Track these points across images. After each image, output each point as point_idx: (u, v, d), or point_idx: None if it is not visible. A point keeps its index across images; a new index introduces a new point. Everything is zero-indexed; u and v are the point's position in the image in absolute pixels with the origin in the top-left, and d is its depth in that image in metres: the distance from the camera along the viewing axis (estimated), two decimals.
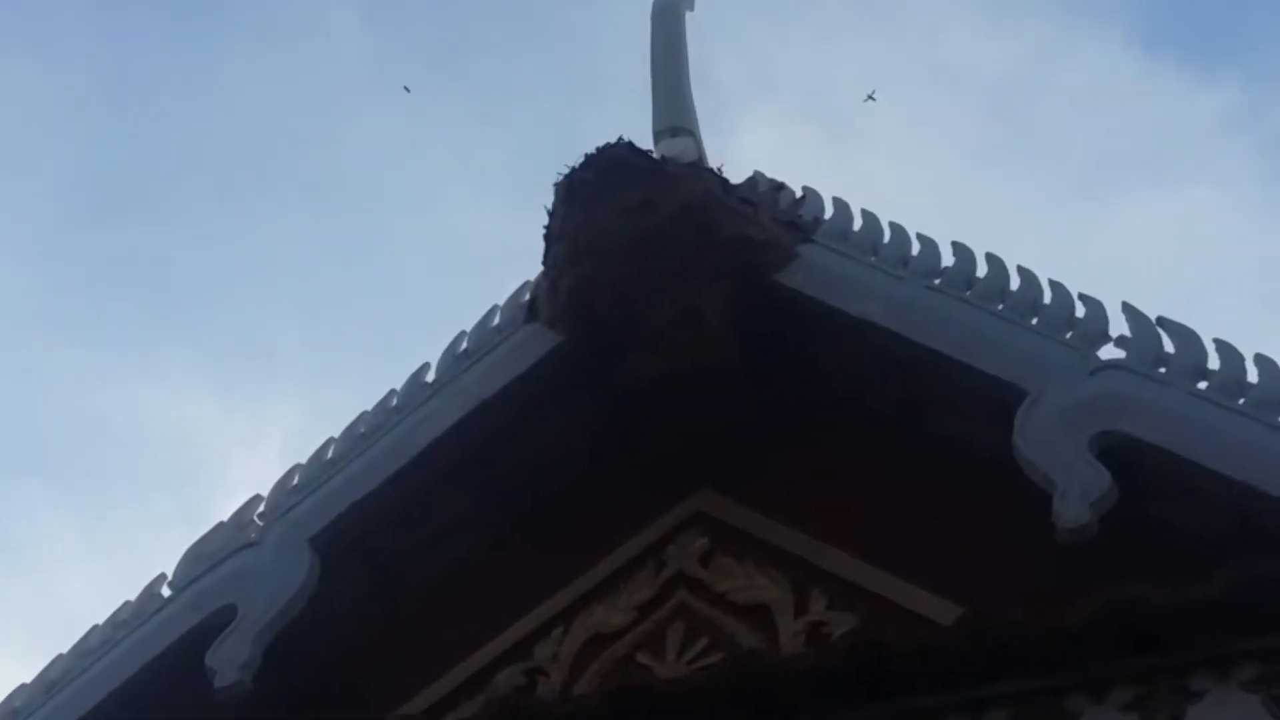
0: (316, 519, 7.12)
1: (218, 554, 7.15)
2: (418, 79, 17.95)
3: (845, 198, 7.55)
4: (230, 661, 6.72)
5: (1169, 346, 6.53)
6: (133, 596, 7.22)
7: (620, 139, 7.37)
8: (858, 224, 7.40)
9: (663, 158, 7.55)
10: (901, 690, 4.41)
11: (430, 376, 7.50)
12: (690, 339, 7.11)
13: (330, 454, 7.40)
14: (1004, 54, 17.93)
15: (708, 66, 8.61)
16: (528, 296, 7.51)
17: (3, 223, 17.37)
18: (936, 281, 7.05)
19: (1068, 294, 6.83)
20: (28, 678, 7.15)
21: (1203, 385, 6.37)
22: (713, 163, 7.71)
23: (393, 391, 7.52)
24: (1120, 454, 6.25)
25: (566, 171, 7.33)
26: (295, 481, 7.35)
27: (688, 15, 8.67)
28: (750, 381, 7.17)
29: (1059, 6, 18.34)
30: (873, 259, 7.21)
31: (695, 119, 8.12)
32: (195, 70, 17.55)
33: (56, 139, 17.27)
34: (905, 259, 7.18)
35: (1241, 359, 6.41)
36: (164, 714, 6.86)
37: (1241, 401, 6.27)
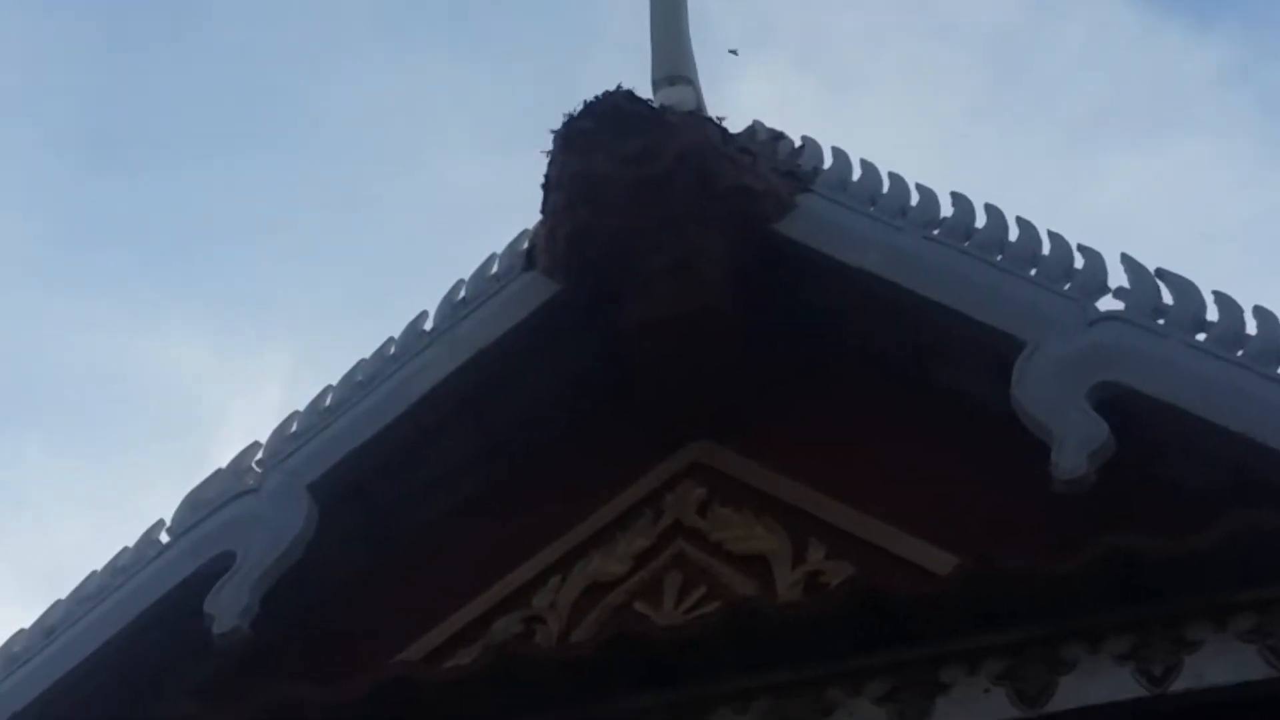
0: (315, 466, 7.11)
1: (216, 501, 7.16)
2: (414, 30, 17.84)
3: (844, 148, 7.55)
4: (229, 608, 6.72)
5: (1168, 298, 6.52)
6: (131, 543, 7.23)
7: (619, 87, 7.32)
8: (856, 174, 7.40)
9: (661, 106, 7.52)
10: (898, 640, 4.42)
11: (428, 325, 7.50)
12: (688, 287, 7.10)
13: (328, 401, 7.39)
14: (1002, 6, 17.88)
15: (707, 15, 8.57)
16: (526, 245, 7.49)
17: (16, 169, 17.33)
18: (935, 232, 7.04)
19: (1066, 245, 6.83)
20: (26, 623, 7.18)
21: (1201, 337, 6.37)
22: (712, 112, 7.69)
23: (391, 339, 7.52)
24: (1118, 405, 6.25)
25: (565, 119, 7.30)
26: (293, 429, 7.35)
27: None
28: (748, 331, 7.17)
29: None
30: (871, 209, 7.20)
31: (694, 68, 8.09)
32: (190, 23, 17.47)
33: (51, 91, 17.21)
34: (904, 209, 7.17)
35: (1240, 310, 6.40)
36: (162, 660, 6.88)
37: (1240, 353, 6.27)
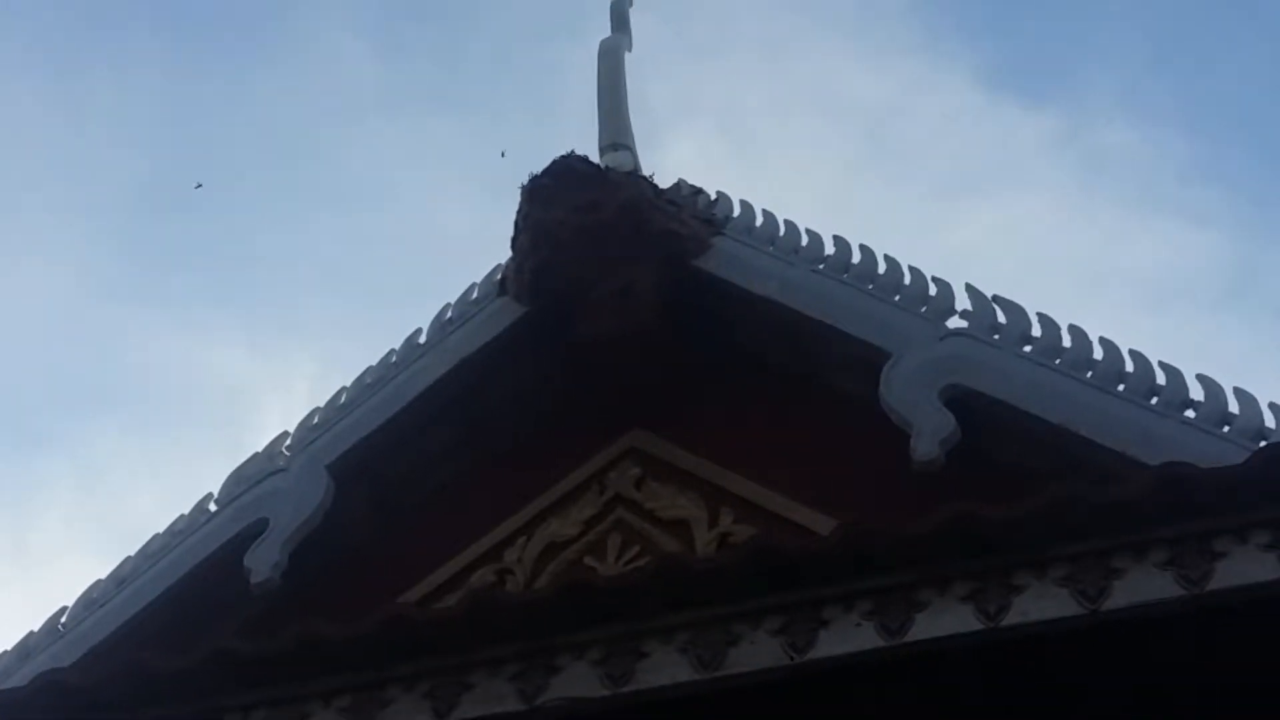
0: (332, 450, 7.10)
1: (253, 477, 7.13)
2: (415, 102, 17.94)
3: (750, 200, 7.57)
4: (263, 563, 6.72)
5: (1002, 318, 6.57)
6: (186, 511, 7.20)
7: (572, 152, 7.37)
8: (760, 220, 7.42)
9: (606, 167, 7.53)
10: (790, 585, 4.41)
11: (422, 339, 7.48)
12: (627, 310, 7.12)
13: (343, 399, 7.37)
14: (875, 86, 17.95)
15: (642, 94, 8.57)
16: (499, 276, 7.48)
17: (86, 209, 17.35)
18: (821, 266, 7.08)
19: (923, 276, 6.87)
20: (103, 574, 7.14)
21: (1028, 349, 6.43)
22: (646, 171, 7.69)
23: (392, 350, 7.50)
24: (963, 403, 6.31)
25: (530, 177, 7.31)
26: (315, 420, 7.33)
27: (626, 54, 8.64)
28: (675, 344, 7.18)
29: (920, 48, 18.34)
30: (771, 249, 7.23)
31: (632, 136, 8.10)
32: (238, 91, 17.53)
33: (130, 143, 17.26)
34: (796, 248, 7.20)
35: (1058, 328, 6.48)
36: (211, 604, 6.85)
37: (1058, 361, 6.35)
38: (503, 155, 7.46)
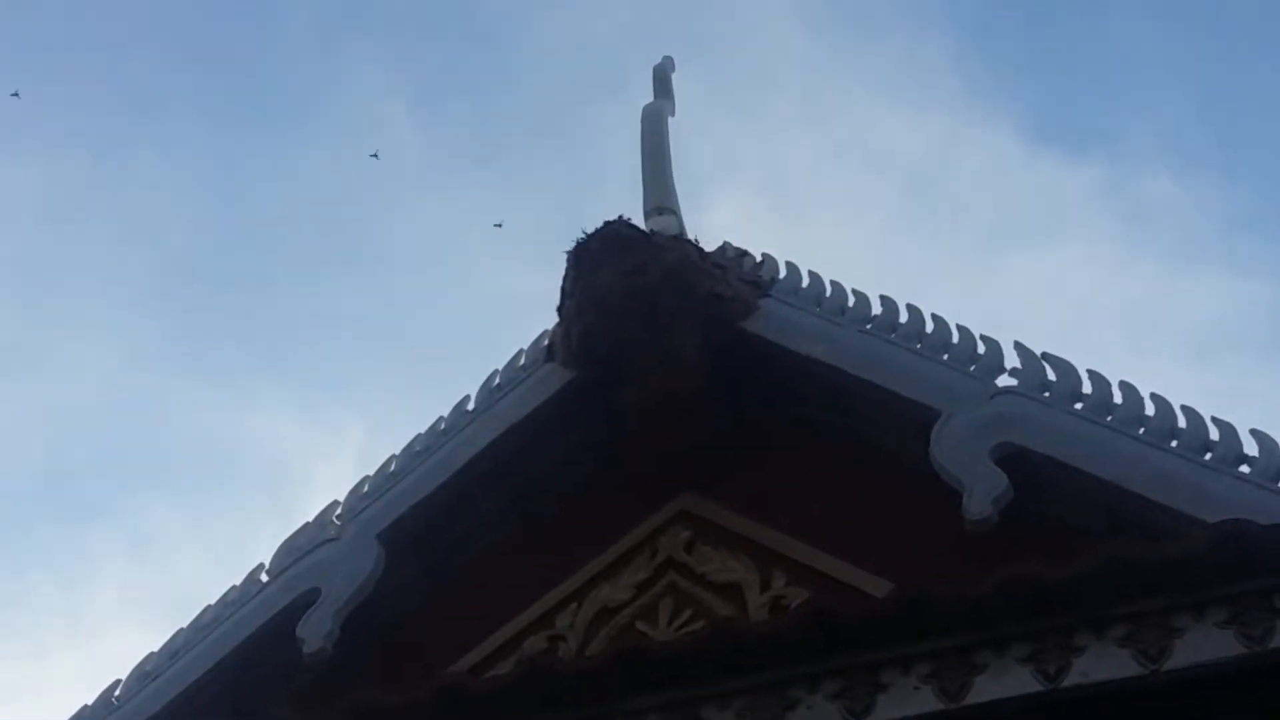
0: (382, 518, 7.09)
1: (304, 547, 7.13)
2: (458, 169, 18.05)
3: (795, 260, 7.57)
4: (315, 632, 6.70)
5: (1052, 375, 6.54)
6: (238, 581, 7.20)
7: (619, 217, 7.38)
8: (805, 281, 7.41)
9: (651, 231, 7.54)
10: (845, 648, 4.40)
11: (470, 405, 7.49)
12: (674, 374, 7.11)
13: (393, 467, 7.37)
14: (918, 142, 18.04)
15: (685, 155, 8.63)
16: (546, 342, 7.49)
17: (135, 283, 17.52)
18: (868, 326, 7.06)
19: (971, 335, 6.85)
20: (155, 646, 7.14)
21: (1079, 406, 6.40)
22: (690, 234, 7.71)
23: (441, 417, 7.50)
24: (1015, 461, 6.26)
25: (576, 242, 7.33)
26: (365, 489, 7.33)
27: (670, 119, 8.68)
28: (722, 407, 7.16)
29: (962, 104, 18.42)
30: (817, 309, 7.22)
31: (676, 199, 8.12)
32: (283, 165, 17.72)
33: (176, 217, 17.46)
34: (843, 309, 7.19)
35: (1109, 384, 6.43)
36: (263, 674, 6.84)
37: (1110, 419, 6.30)
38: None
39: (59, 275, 17.04)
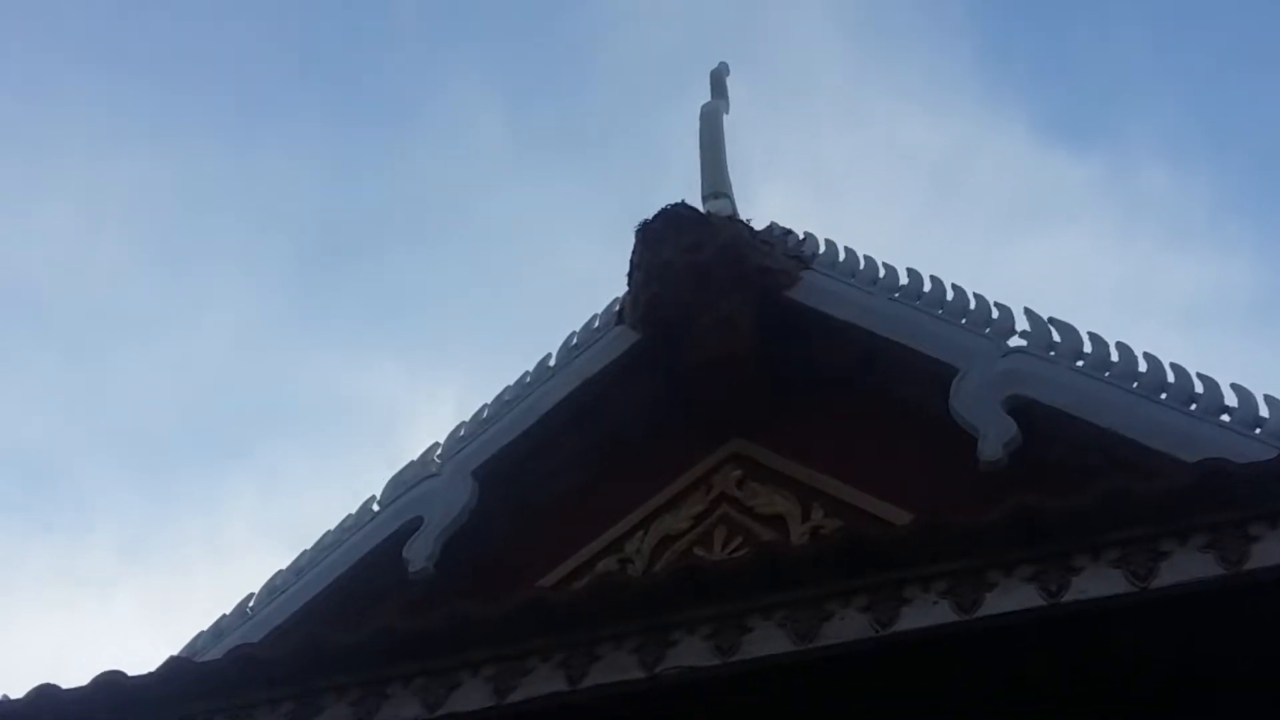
0: (476, 458, 7.12)
1: (409, 482, 7.17)
2: (542, 161, 18.14)
3: (833, 238, 7.53)
4: (419, 554, 6.76)
5: (1057, 337, 6.50)
6: (353, 510, 7.25)
7: (680, 201, 7.38)
8: (842, 256, 7.38)
9: (708, 213, 7.53)
10: (873, 569, 4.37)
11: (552, 362, 7.50)
12: (727, 336, 7.11)
13: (485, 414, 7.40)
14: (942, 137, 17.89)
15: (739, 149, 8.59)
16: (617, 308, 7.49)
17: (264, 260, 17.77)
18: (896, 295, 7.03)
19: (986, 302, 6.81)
20: (283, 565, 7.21)
21: (1080, 363, 6.35)
22: (743, 216, 7.69)
23: (526, 372, 7.51)
24: (1023, 411, 6.25)
25: (642, 222, 7.32)
26: (461, 433, 7.36)
27: (725, 116, 8.65)
28: (769, 364, 7.16)
29: (980, 104, 18.25)
30: (852, 280, 7.19)
31: (730, 185, 8.09)
32: (392, 157, 17.86)
33: (299, 204, 17.64)
34: (875, 280, 7.16)
35: (1107, 345, 6.39)
36: (375, 590, 6.90)
37: (1107, 374, 6.26)
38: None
39: (200, 253, 17.22)
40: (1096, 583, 4.18)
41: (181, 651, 6.74)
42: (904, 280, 7.09)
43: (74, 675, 4.83)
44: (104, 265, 17.02)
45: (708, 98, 8.79)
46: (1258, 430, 5.82)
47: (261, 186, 17.55)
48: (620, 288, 7.49)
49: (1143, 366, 6.22)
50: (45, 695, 4.79)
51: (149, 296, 17.32)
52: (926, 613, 4.27)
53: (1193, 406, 6.00)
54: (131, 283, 17.19)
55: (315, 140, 17.77)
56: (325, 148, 17.84)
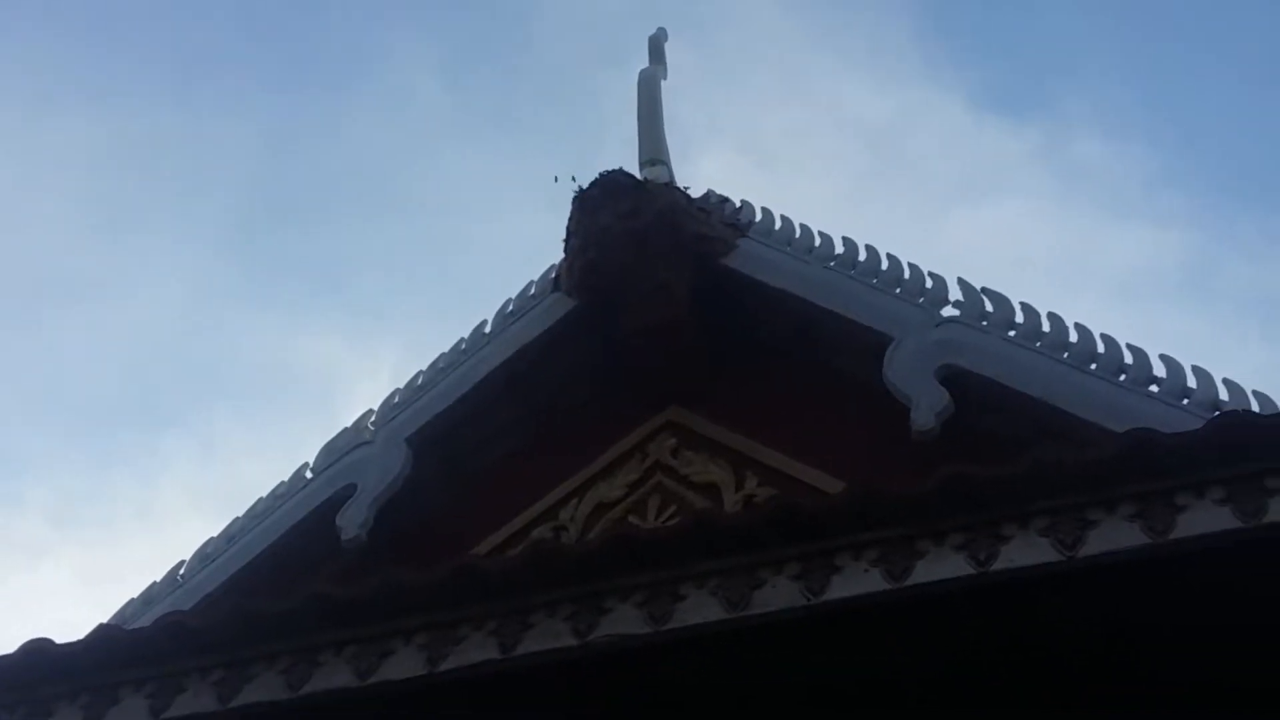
0: (411, 425, 7.09)
1: (343, 449, 7.14)
2: (479, 126, 18.07)
3: (770, 207, 7.53)
4: (352, 522, 6.73)
5: (989, 307, 6.54)
6: (285, 478, 7.22)
7: (619, 168, 7.35)
8: (778, 224, 7.38)
9: (645, 179, 7.50)
10: (806, 537, 4.39)
11: (487, 329, 7.47)
12: (663, 303, 7.10)
13: (420, 381, 7.37)
14: (880, 107, 17.94)
15: (676, 115, 8.56)
16: (553, 275, 7.46)
17: (202, 223, 17.61)
18: (831, 264, 7.05)
19: (920, 272, 6.84)
20: (214, 532, 7.17)
21: (1012, 333, 6.40)
22: (680, 183, 7.67)
23: (462, 339, 7.49)
24: (956, 381, 6.28)
25: (579, 189, 7.30)
26: (396, 400, 7.33)
27: (663, 83, 8.62)
28: (705, 332, 7.16)
29: (919, 76, 18.31)
30: (788, 248, 7.20)
31: (668, 153, 8.07)
32: (330, 122, 17.74)
33: (237, 168, 17.48)
34: (810, 248, 7.17)
35: (1039, 315, 6.45)
36: (307, 558, 6.86)
37: (1039, 344, 6.32)
38: (555, 180, 7.36)
39: (136, 215, 17.03)
40: (1025, 551, 4.22)
41: (111, 619, 6.69)
42: (839, 249, 7.10)
43: (2, 644, 4.78)
44: (38, 227, 16.81)
45: (646, 64, 8.75)
46: (1185, 401, 5.89)
47: (200, 150, 17.37)
48: (557, 254, 7.47)
49: (1074, 337, 6.27)
50: None
51: (84, 259, 17.13)
52: (857, 581, 4.29)
53: (1122, 377, 6.06)
54: (66, 245, 16.99)
55: (255, 104, 17.60)
56: (265, 112, 17.68)
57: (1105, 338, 6.23)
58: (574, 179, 7.25)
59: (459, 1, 17.82)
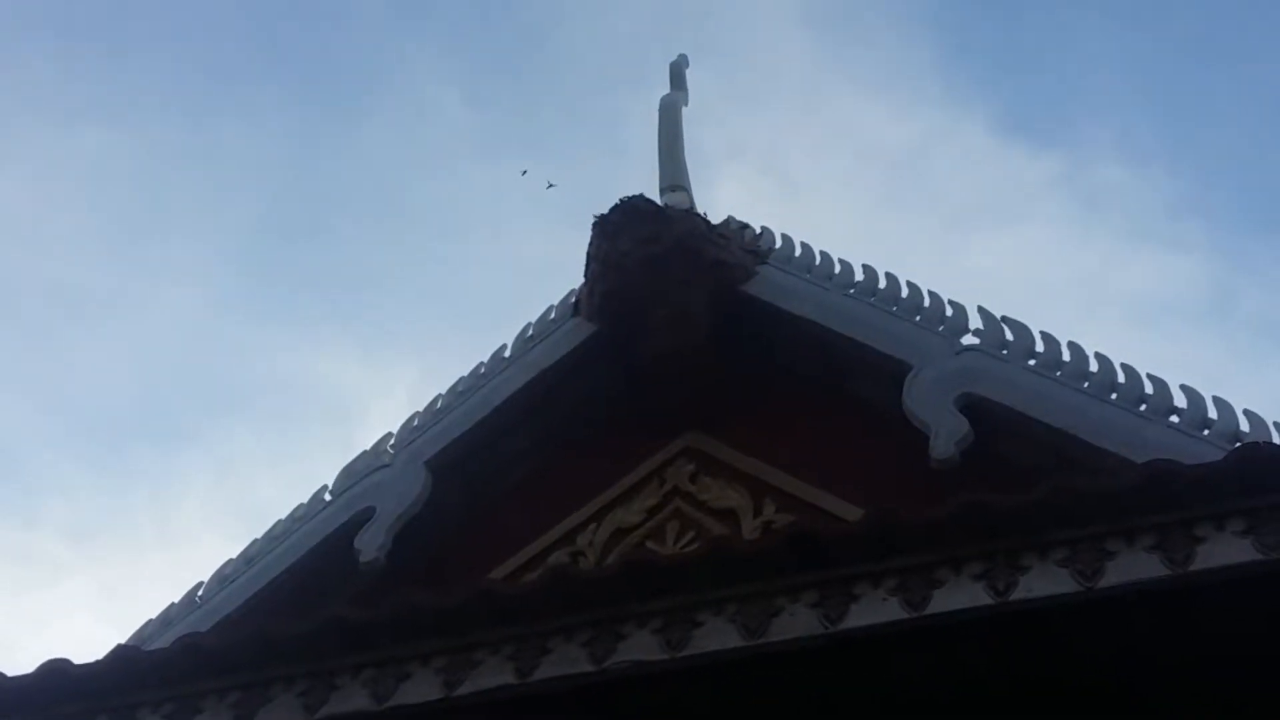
0: (430, 449, 7.11)
1: (362, 471, 7.15)
2: (500, 148, 18.15)
3: (790, 233, 7.55)
4: (370, 545, 6.74)
5: (1009, 336, 6.54)
6: (304, 500, 7.24)
7: (639, 194, 7.37)
8: (798, 251, 7.39)
9: (665, 205, 7.53)
10: (825, 564, 4.39)
11: (507, 353, 7.49)
12: (682, 329, 7.10)
13: (439, 404, 7.38)
14: (900, 132, 18.00)
15: (696, 140, 8.60)
16: (573, 299, 7.49)
17: (220, 239, 17.68)
18: (851, 291, 7.05)
19: (940, 299, 6.85)
20: (233, 554, 7.17)
21: (1032, 362, 6.40)
22: (700, 209, 7.69)
23: (481, 363, 7.51)
24: (975, 409, 6.28)
25: (600, 215, 7.32)
26: (415, 423, 7.34)
27: (684, 109, 8.65)
28: (724, 358, 7.16)
29: (941, 101, 18.37)
30: (808, 275, 7.21)
31: (688, 178, 8.10)
32: (350, 140, 17.84)
33: (257, 185, 17.59)
34: (830, 275, 7.18)
35: (1059, 344, 6.44)
36: (326, 580, 6.87)
37: (1059, 373, 6.31)
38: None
39: (155, 231, 17.14)
40: (1043, 581, 4.21)
41: (129, 640, 6.70)
42: (859, 276, 7.11)
43: (20, 663, 4.81)
44: (56, 241, 16.93)
45: (667, 88, 8.80)
46: (1205, 432, 5.88)
47: (219, 166, 17.50)
48: (577, 279, 7.49)
49: (1094, 366, 6.27)
50: None
51: (102, 275, 17.26)
52: (876, 609, 4.29)
53: (1142, 407, 6.06)
54: (84, 260, 17.13)
55: (275, 120, 17.72)
56: (284, 127, 17.80)
57: (1126, 367, 6.22)
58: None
59: (480, 21, 17.93)
